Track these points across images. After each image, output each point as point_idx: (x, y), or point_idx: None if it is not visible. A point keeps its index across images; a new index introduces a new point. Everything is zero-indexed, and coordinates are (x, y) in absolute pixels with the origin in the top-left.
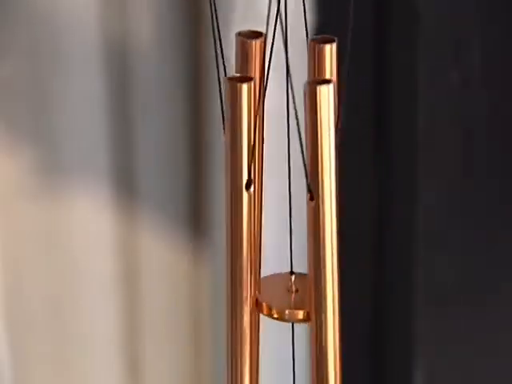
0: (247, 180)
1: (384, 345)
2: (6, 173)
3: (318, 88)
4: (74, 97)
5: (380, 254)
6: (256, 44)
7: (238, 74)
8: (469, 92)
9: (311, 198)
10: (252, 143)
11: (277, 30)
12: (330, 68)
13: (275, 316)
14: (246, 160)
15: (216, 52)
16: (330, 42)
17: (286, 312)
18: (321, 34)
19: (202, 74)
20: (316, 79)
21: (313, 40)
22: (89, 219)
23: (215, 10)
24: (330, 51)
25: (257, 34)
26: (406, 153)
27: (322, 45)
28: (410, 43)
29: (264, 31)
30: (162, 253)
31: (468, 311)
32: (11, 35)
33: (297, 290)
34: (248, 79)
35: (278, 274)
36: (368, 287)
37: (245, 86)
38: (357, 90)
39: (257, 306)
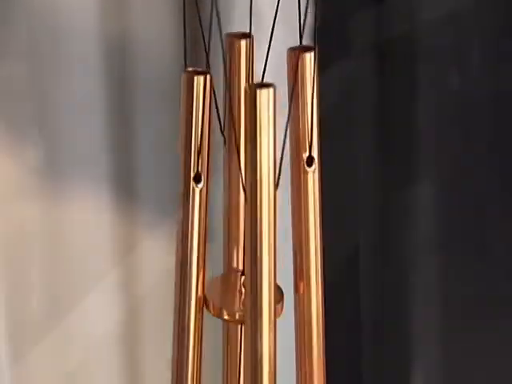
0: (195, 174)
1: (384, 344)
2: (6, 173)
3: (257, 91)
4: (74, 97)
5: (380, 255)
6: (244, 44)
7: (191, 68)
8: (469, 93)
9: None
10: (200, 136)
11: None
12: (309, 76)
13: (226, 317)
14: (195, 153)
15: (185, 47)
16: (310, 50)
17: (237, 314)
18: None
19: None
20: (257, 83)
21: (292, 49)
22: (89, 219)
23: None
24: (309, 60)
25: (245, 35)
26: (407, 153)
27: (301, 53)
28: (411, 45)
29: (269, 29)
30: (161, 253)
31: (468, 311)
32: (11, 35)
33: None
34: (203, 73)
35: (230, 274)
36: (368, 287)
37: (201, 79)
38: (357, 91)
39: (207, 305)
